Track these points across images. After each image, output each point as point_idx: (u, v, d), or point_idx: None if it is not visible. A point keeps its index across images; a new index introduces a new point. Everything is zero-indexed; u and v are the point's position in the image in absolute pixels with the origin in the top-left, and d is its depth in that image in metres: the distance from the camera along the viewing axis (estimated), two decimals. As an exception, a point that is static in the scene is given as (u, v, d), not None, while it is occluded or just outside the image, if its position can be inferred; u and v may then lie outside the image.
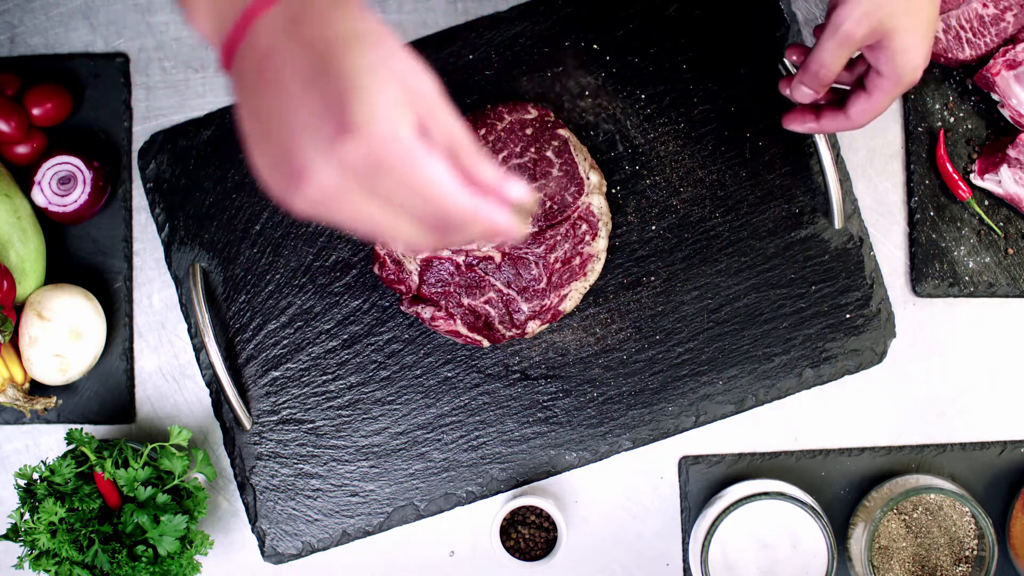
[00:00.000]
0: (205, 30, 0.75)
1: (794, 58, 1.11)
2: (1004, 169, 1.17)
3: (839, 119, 1.07)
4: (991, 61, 1.17)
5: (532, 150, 1.16)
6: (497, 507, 1.22)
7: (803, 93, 1.06)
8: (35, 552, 1.12)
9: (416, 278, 1.16)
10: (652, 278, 1.20)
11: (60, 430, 1.22)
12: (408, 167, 0.69)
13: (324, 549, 1.21)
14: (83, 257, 1.22)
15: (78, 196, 1.18)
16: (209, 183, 1.20)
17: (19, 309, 1.18)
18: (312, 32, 0.69)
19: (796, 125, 1.11)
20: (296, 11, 0.70)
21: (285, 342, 1.20)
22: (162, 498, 1.13)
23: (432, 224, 0.71)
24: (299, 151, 0.68)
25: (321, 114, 0.68)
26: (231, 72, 0.73)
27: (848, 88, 1.08)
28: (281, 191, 0.71)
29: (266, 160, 0.71)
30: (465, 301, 1.15)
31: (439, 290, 1.15)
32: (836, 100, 1.09)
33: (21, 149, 1.19)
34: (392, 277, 1.17)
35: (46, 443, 1.23)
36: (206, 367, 1.21)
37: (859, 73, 1.06)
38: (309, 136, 0.68)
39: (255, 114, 0.71)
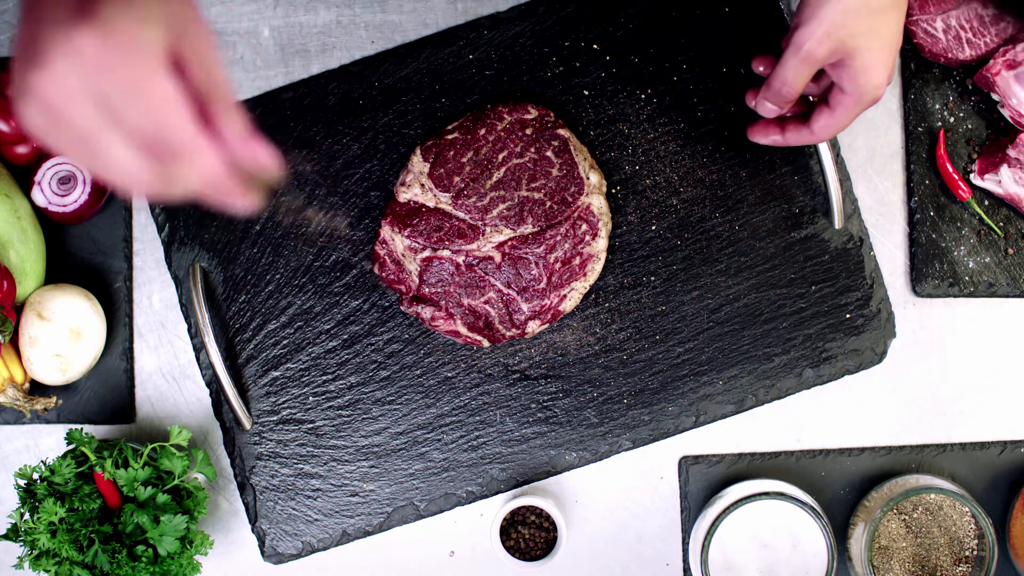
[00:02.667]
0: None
1: (761, 68, 1.11)
2: (1004, 169, 1.17)
3: (803, 133, 1.08)
4: (991, 61, 1.17)
5: (532, 150, 1.16)
6: (497, 507, 1.22)
7: (767, 108, 1.07)
8: (35, 552, 1.12)
9: (416, 278, 1.16)
10: (652, 278, 1.20)
11: (60, 430, 1.22)
12: (138, 72, 0.66)
13: (324, 549, 1.21)
14: (83, 257, 1.22)
15: (78, 196, 1.18)
16: (209, 183, 1.20)
17: (19, 309, 1.18)
18: None
19: (760, 137, 1.12)
20: None
21: (285, 342, 1.20)
22: (162, 498, 1.13)
23: (148, 146, 0.68)
24: (40, 36, 0.66)
25: (70, 3, 0.66)
26: None
27: (813, 99, 1.09)
28: (19, 87, 0.67)
29: (17, 51, 0.68)
30: (465, 301, 1.15)
31: (439, 290, 1.15)
32: (802, 113, 1.10)
33: (21, 149, 1.19)
34: (392, 277, 1.17)
35: (46, 443, 1.23)
36: (206, 367, 1.21)
37: (825, 86, 1.07)
38: (52, 21, 0.66)
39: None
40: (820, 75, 1.08)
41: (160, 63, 0.67)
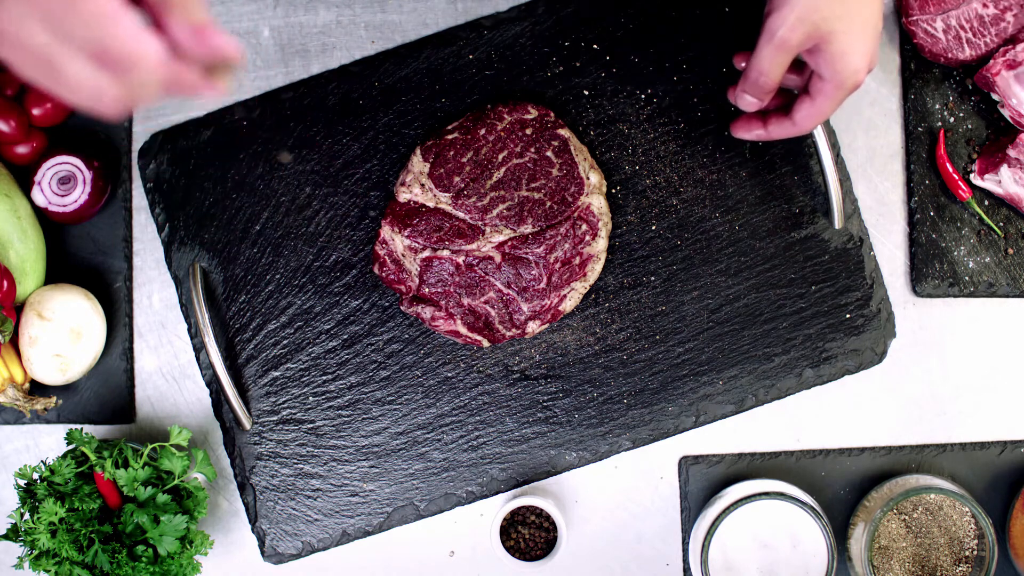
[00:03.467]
0: None
1: (742, 65, 1.10)
2: (1004, 169, 1.17)
3: (785, 125, 1.07)
4: (991, 61, 1.17)
5: (532, 150, 1.16)
6: (497, 507, 1.22)
7: (747, 101, 1.06)
8: (35, 552, 1.12)
9: (416, 278, 1.16)
10: (652, 278, 1.20)
11: (60, 430, 1.22)
12: None
13: (324, 549, 1.21)
14: (83, 257, 1.22)
15: (78, 196, 1.18)
16: (209, 183, 1.20)
17: (19, 309, 1.18)
18: None
19: (744, 132, 1.11)
20: None
21: (285, 342, 1.20)
22: (162, 498, 1.13)
23: (99, 59, 0.69)
24: None
25: None
26: None
27: (796, 92, 1.08)
28: None
29: None
30: (465, 301, 1.15)
31: (439, 290, 1.15)
32: (784, 105, 1.09)
33: (21, 149, 1.19)
34: (392, 277, 1.17)
35: (46, 443, 1.23)
36: (206, 367, 1.21)
37: (807, 77, 1.06)
38: None
39: None
40: (802, 67, 1.07)
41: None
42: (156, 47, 0.69)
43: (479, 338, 1.16)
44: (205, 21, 0.71)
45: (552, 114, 1.17)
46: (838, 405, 1.22)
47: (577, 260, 1.16)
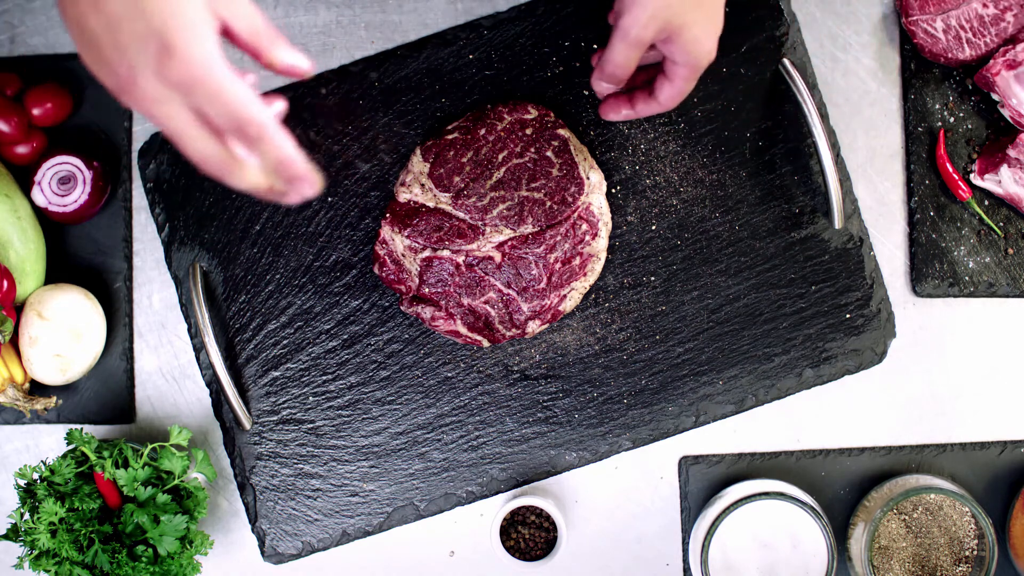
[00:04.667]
0: None
1: (596, 61, 1.11)
2: (1004, 169, 1.17)
3: (651, 104, 1.09)
4: (991, 61, 1.17)
5: (532, 150, 1.16)
6: (497, 507, 1.22)
7: (602, 88, 1.08)
8: (35, 552, 1.12)
9: (416, 278, 1.16)
10: (652, 278, 1.20)
11: (60, 430, 1.22)
12: (216, 84, 0.81)
13: (324, 549, 1.21)
14: (83, 257, 1.22)
15: (78, 196, 1.18)
16: (209, 183, 1.20)
17: (19, 309, 1.18)
18: None
19: (612, 114, 1.11)
20: None
21: (285, 342, 1.20)
22: (162, 498, 1.13)
23: (232, 130, 0.82)
24: (128, 65, 0.81)
25: (145, 36, 0.79)
26: None
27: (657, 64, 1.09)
28: (113, 89, 0.83)
29: (97, 66, 0.83)
30: (465, 301, 1.15)
31: (439, 290, 1.15)
32: (646, 81, 1.10)
33: (21, 149, 1.19)
34: (392, 277, 1.17)
35: (46, 443, 1.23)
36: (206, 367, 1.21)
37: (658, 55, 1.08)
38: (135, 53, 0.80)
39: (83, 30, 0.82)
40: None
41: (224, 68, 0.81)
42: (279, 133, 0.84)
43: (479, 338, 1.16)
44: (290, 156, 0.85)
45: (552, 114, 1.17)
46: (838, 405, 1.22)
47: (577, 260, 1.16)
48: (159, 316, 1.22)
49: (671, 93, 1.06)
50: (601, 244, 1.16)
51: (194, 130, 0.83)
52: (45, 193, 1.18)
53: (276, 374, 1.20)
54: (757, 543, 1.15)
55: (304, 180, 0.87)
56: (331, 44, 1.22)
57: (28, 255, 1.17)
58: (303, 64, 0.87)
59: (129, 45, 0.80)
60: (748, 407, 1.20)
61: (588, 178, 1.16)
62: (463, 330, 1.16)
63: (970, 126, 1.21)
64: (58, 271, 1.21)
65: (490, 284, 1.15)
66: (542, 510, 1.19)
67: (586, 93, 1.20)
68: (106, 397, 1.22)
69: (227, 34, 0.84)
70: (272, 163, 0.84)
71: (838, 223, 1.18)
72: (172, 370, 1.23)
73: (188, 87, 0.80)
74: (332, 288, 1.20)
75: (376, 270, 1.17)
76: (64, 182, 1.18)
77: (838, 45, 1.22)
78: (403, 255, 1.16)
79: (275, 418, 1.20)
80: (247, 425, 1.19)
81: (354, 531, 1.21)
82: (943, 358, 1.22)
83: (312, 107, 1.20)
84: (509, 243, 1.15)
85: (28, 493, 1.14)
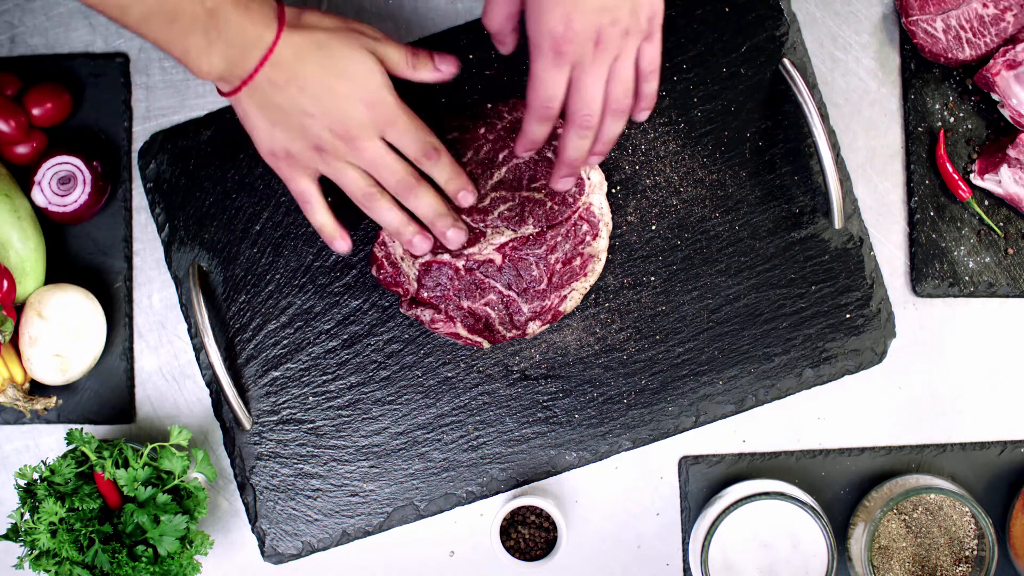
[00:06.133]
0: (208, 73, 1.01)
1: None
2: (1004, 169, 1.17)
3: (527, 112, 1.05)
4: (991, 61, 1.17)
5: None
6: (497, 507, 1.22)
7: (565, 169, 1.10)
8: (35, 552, 1.12)
9: (414, 282, 1.16)
10: (652, 278, 1.20)
11: (60, 430, 1.22)
12: (408, 117, 1.07)
13: (324, 549, 1.21)
14: (83, 257, 1.22)
15: (78, 196, 1.18)
16: (209, 183, 1.20)
17: (19, 309, 1.18)
18: (325, 56, 1.02)
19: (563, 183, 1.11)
20: (302, 50, 1.02)
21: (285, 342, 1.20)
22: (162, 498, 1.13)
23: (421, 154, 1.07)
24: (344, 126, 1.03)
25: (352, 98, 1.03)
26: (245, 90, 1.02)
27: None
28: (305, 161, 1.06)
29: (293, 143, 1.05)
30: (464, 304, 1.15)
31: (437, 294, 1.15)
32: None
33: (21, 149, 1.19)
34: (389, 280, 1.17)
35: (46, 443, 1.23)
36: (206, 367, 1.21)
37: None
38: (354, 118, 1.03)
39: (279, 113, 1.03)
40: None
41: (377, 134, 1.05)
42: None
43: (479, 339, 1.16)
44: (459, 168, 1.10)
45: (552, 114, 1.17)
46: (838, 405, 1.22)
47: (578, 260, 1.15)
48: (159, 316, 1.22)
49: (529, 84, 1.01)
50: (602, 244, 1.16)
51: (376, 189, 1.07)
52: (45, 193, 1.18)
53: (276, 374, 1.20)
54: (757, 543, 1.15)
55: (469, 191, 1.10)
56: (331, 44, 1.22)
57: (28, 255, 1.17)
58: (448, 69, 1.09)
59: (348, 113, 1.03)
60: (748, 407, 1.20)
61: (588, 178, 1.16)
62: (463, 332, 1.16)
63: (970, 126, 1.21)
64: (58, 271, 1.21)
65: (490, 286, 1.15)
66: (542, 510, 1.19)
67: (586, 93, 1.20)
68: (106, 397, 1.22)
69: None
70: (447, 175, 1.08)
71: (838, 223, 1.18)
72: (172, 370, 1.23)
73: (390, 122, 1.04)
74: (332, 288, 1.20)
75: (373, 272, 1.17)
76: (64, 182, 1.18)
77: (838, 45, 1.22)
78: (402, 258, 1.16)
79: (275, 418, 1.20)
80: (247, 425, 1.19)
81: (354, 531, 1.21)
82: (943, 358, 1.22)
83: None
84: (510, 244, 1.15)
85: (28, 493, 1.14)
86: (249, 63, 1.00)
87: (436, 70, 1.08)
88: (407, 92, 1.11)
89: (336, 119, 1.02)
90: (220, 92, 1.04)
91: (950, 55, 1.18)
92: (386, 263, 1.16)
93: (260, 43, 1.00)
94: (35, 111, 1.18)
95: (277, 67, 1.01)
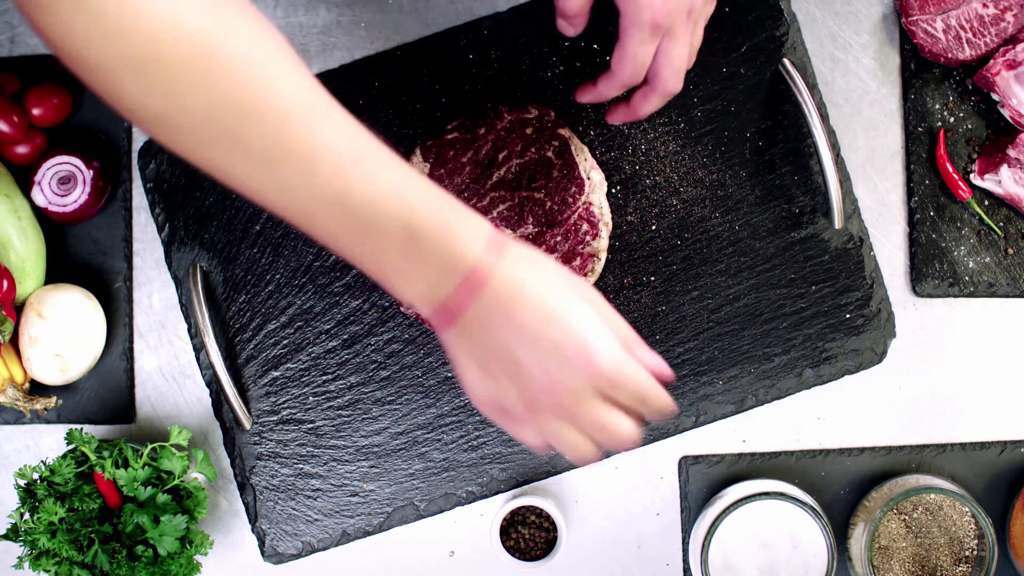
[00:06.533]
0: (412, 297, 0.88)
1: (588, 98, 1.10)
2: (1004, 169, 1.17)
3: (611, 80, 1.04)
4: (991, 61, 1.17)
5: (532, 150, 1.16)
6: (497, 507, 1.22)
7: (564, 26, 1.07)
8: (35, 552, 1.12)
9: (416, 278, 1.16)
10: (652, 278, 1.20)
11: (60, 430, 1.22)
12: (631, 370, 0.89)
13: (324, 549, 1.21)
14: (83, 257, 1.22)
15: (78, 196, 1.18)
16: (209, 183, 1.20)
17: (19, 309, 1.18)
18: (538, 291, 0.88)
19: (584, 96, 1.09)
20: (517, 278, 0.88)
21: (285, 342, 1.20)
22: (162, 498, 1.13)
23: (637, 402, 0.90)
24: (566, 389, 0.88)
25: (564, 344, 0.88)
26: (452, 327, 0.88)
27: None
28: (525, 401, 0.89)
29: (504, 395, 0.90)
30: (465, 301, 1.15)
31: (439, 290, 1.15)
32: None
33: (21, 149, 1.19)
34: (392, 277, 1.17)
35: (46, 443, 1.23)
36: (206, 367, 1.21)
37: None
38: (559, 368, 0.88)
39: (488, 357, 0.89)
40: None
41: (597, 394, 0.89)
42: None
43: (479, 338, 1.16)
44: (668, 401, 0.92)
45: (552, 114, 1.17)
46: (838, 405, 1.22)
47: (578, 260, 1.15)
48: (159, 316, 1.22)
49: (618, 55, 1.01)
50: (602, 244, 1.16)
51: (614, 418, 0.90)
52: (45, 193, 1.18)
53: (276, 374, 1.20)
54: (757, 543, 1.15)
55: (672, 411, 0.93)
56: (331, 44, 1.22)
57: (28, 255, 1.17)
58: (665, 373, 0.92)
59: (560, 376, 0.88)
60: (748, 407, 1.20)
61: (589, 178, 1.16)
62: (463, 330, 1.16)
63: (970, 126, 1.21)
64: (58, 271, 1.21)
65: (490, 284, 1.15)
66: (542, 510, 1.19)
67: (586, 93, 1.20)
68: (106, 397, 1.22)
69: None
70: (658, 412, 0.92)
71: (838, 223, 1.18)
72: (172, 370, 1.23)
73: (616, 385, 0.88)
74: (332, 288, 1.20)
75: (376, 270, 1.17)
76: (64, 182, 1.18)
77: (838, 45, 1.22)
78: None
79: (275, 418, 1.20)
80: (247, 425, 1.19)
81: (354, 531, 1.21)
82: (943, 358, 1.22)
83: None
84: (509, 243, 1.15)
85: (28, 493, 1.14)
86: (454, 288, 0.87)
87: (644, 366, 0.92)
88: (405, 90, 1.10)
89: (556, 378, 0.88)
90: (429, 324, 0.95)
91: (950, 55, 1.18)
92: (386, 263, 1.16)
93: (464, 268, 0.86)
94: (35, 111, 1.18)
95: (489, 304, 0.87)
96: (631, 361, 0.89)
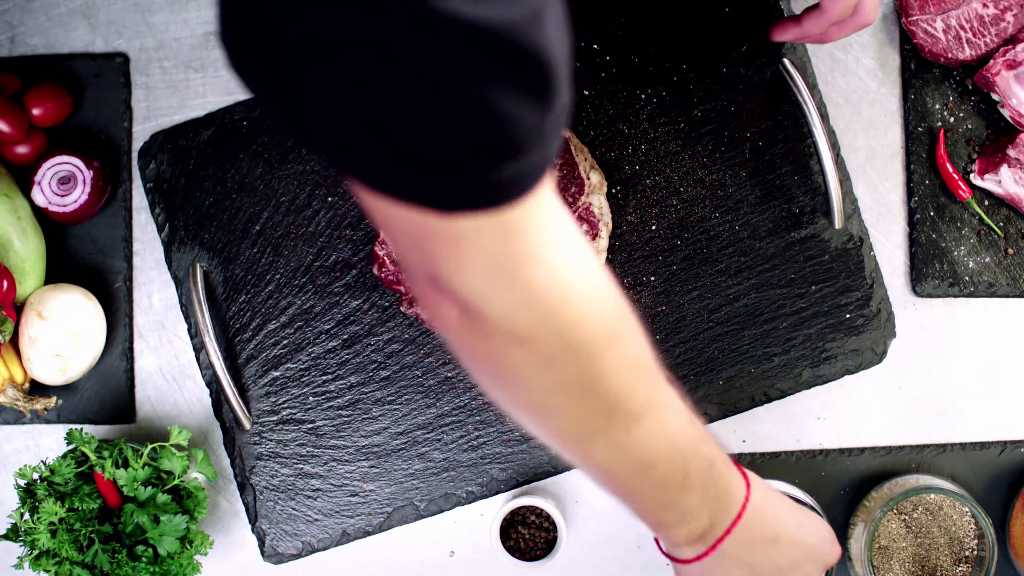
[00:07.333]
0: (688, 535, 0.94)
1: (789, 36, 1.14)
2: (1004, 169, 1.17)
3: (820, 17, 1.08)
4: (991, 61, 1.17)
5: (532, 150, 1.15)
6: (497, 507, 1.22)
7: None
8: (35, 552, 1.12)
9: (416, 278, 1.16)
10: (652, 278, 1.20)
11: (60, 430, 1.22)
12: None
13: (324, 549, 1.21)
14: (83, 257, 1.22)
15: (78, 196, 1.18)
16: (209, 183, 1.20)
17: (19, 309, 1.18)
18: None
19: (782, 34, 1.15)
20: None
21: (285, 342, 1.20)
22: (162, 498, 1.13)
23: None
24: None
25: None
26: (715, 553, 0.94)
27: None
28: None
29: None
30: (465, 301, 1.15)
31: (439, 290, 1.15)
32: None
33: (21, 149, 1.19)
34: (391, 278, 1.17)
35: (46, 443, 1.23)
36: (206, 367, 1.21)
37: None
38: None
39: (747, 572, 0.96)
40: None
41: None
42: None
43: (479, 338, 1.16)
44: None
45: (552, 114, 1.17)
46: (838, 405, 1.22)
47: (577, 260, 1.15)
48: (159, 316, 1.22)
49: None
50: (602, 244, 1.16)
51: None
52: (45, 193, 1.18)
53: (276, 374, 1.20)
54: (757, 543, 1.15)
55: None
56: (331, 44, 1.22)
57: (28, 255, 1.17)
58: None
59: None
60: (748, 407, 1.20)
61: (589, 178, 1.16)
62: (463, 330, 1.16)
63: (970, 126, 1.21)
64: (58, 271, 1.21)
65: (490, 284, 1.15)
66: (542, 510, 1.19)
67: (586, 93, 1.20)
68: (106, 397, 1.22)
69: None
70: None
71: (838, 223, 1.18)
72: (172, 370, 1.23)
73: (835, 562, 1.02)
74: (332, 288, 1.20)
75: (375, 271, 1.17)
76: (64, 182, 1.18)
77: (838, 45, 1.22)
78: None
79: (275, 418, 1.20)
80: (247, 425, 1.19)
81: (354, 531, 1.21)
82: (943, 358, 1.22)
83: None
84: (509, 243, 1.15)
85: (28, 493, 1.14)
86: (728, 518, 0.94)
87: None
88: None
89: (805, 571, 1.00)
90: (673, 559, 0.98)
91: (950, 55, 1.18)
92: (388, 261, 1.16)
93: (739, 496, 0.94)
94: (35, 111, 1.18)
95: (748, 522, 0.95)
96: (836, 540, 1.03)
